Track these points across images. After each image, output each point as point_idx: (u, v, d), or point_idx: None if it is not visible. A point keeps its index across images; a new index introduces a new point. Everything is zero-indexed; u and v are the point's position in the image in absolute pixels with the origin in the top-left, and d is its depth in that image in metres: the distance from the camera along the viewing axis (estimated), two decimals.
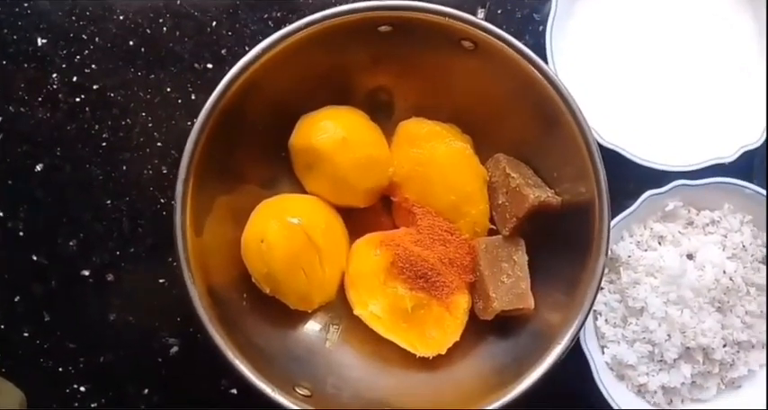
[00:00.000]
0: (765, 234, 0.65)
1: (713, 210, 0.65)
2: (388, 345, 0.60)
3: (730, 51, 0.67)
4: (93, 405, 0.65)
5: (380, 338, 0.59)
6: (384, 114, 0.63)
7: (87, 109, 0.66)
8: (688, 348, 0.62)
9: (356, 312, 0.59)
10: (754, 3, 0.67)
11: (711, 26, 0.67)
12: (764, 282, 0.64)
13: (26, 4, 0.66)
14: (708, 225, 0.65)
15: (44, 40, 0.66)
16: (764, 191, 0.64)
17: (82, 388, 0.66)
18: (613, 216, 0.61)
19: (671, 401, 0.64)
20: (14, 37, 0.66)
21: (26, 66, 0.66)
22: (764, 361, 0.65)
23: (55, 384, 0.65)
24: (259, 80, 0.55)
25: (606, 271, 0.54)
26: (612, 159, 0.60)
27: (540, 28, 0.67)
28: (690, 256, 0.64)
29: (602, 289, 0.63)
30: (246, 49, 0.58)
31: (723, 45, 0.67)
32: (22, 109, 0.66)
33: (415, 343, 0.58)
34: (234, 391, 0.66)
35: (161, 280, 0.66)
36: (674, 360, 0.63)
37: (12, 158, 0.66)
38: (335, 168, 0.58)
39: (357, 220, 0.62)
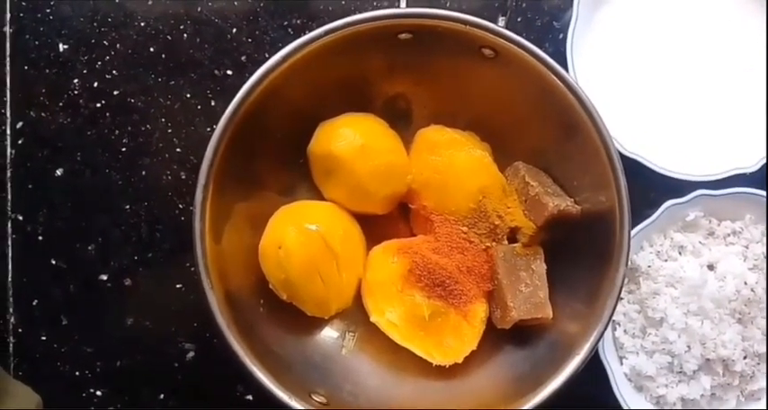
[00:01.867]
0: None
1: (734, 221, 0.65)
2: (404, 353, 0.60)
3: (752, 60, 0.67)
4: (109, 409, 0.66)
5: (397, 346, 0.59)
6: (403, 122, 0.63)
7: (108, 114, 0.66)
8: (708, 360, 0.62)
9: (373, 319, 0.59)
10: None
11: (732, 34, 0.67)
12: None
13: (48, 10, 0.67)
14: (729, 235, 0.65)
15: (65, 46, 0.67)
16: None
17: (98, 393, 0.66)
18: (633, 225, 0.60)
19: None
20: (36, 43, 0.66)
21: (47, 71, 0.66)
22: None
23: (72, 388, 0.66)
24: (279, 87, 0.55)
25: (626, 281, 0.54)
26: (633, 168, 0.60)
27: (561, 36, 0.67)
28: (710, 267, 0.63)
29: (621, 299, 0.63)
30: (266, 55, 0.58)
31: (744, 54, 0.67)
32: (43, 114, 0.66)
33: (432, 352, 0.58)
34: (249, 397, 0.66)
35: (178, 286, 0.66)
36: (694, 371, 0.62)
37: (32, 163, 0.66)
38: (354, 175, 0.58)
39: (375, 227, 0.62)
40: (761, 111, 0.66)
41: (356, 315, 0.61)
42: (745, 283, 0.61)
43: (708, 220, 0.65)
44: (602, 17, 0.66)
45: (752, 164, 0.64)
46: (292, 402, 0.53)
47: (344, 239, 0.58)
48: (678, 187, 0.63)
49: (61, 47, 0.66)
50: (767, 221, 0.64)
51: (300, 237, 0.56)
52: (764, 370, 0.64)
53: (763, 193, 0.63)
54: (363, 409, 0.57)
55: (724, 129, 0.66)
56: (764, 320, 0.63)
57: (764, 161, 0.63)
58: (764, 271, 0.63)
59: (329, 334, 0.62)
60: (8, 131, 0.66)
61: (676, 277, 0.62)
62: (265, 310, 0.59)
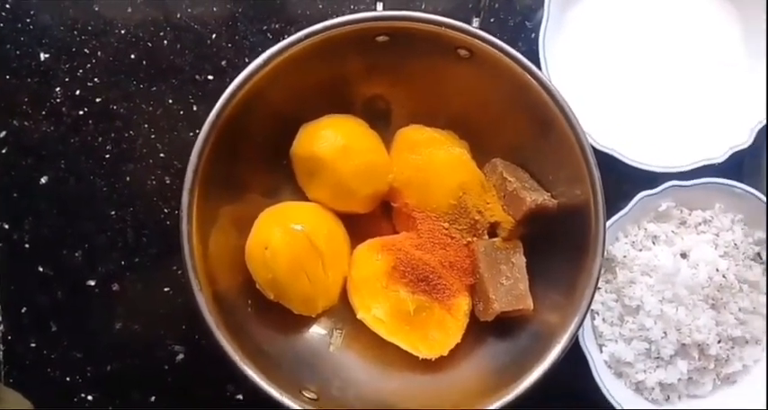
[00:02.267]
0: (765, 236, 0.66)
1: (705, 210, 0.66)
2: (390, 348, 0.61)
3: (717, 53, 0.69)
4: None
5: (383, 341, 0.60)
6: (383, 122, 0.64)
7: (90, 121, 0.67)
8: (683, 345, 0.63)
9: (359, 316, 0.59)
10: (737, 3, 0.69)
11: (698, 28, 0.69)
12: (756, 279, 0.65)
13: (28, 20, 0.67)
14: (700, 224, 0.66)
15: (46, 55, 0.67)
16: (754, 191, 0.65)
17: (89, 397, 0.66)
18: (608, 217, 0.61)
19: (668, 397, 0.65)
20: (17, 52, 0.67)
21: (29, 80, 0.67)
22: (758, 357, 0.66)
23: (62, 393, 0.66)
24: (260, 91, 0.56)
25: (602, 271, 0.55)
26: (606, 162, 0.61)
27: (533, 35, 0.68)
28: (683, 255, 0.65)
29: (599, 288, 0.64)
30: (246, 60, 0.59)
31: (710, 47, 0.68)
32: (26, 122, 0.66)
33: (418, 346, 0.59)
34: (240, 396, 0.66)
35: (166, 289, 0.67)
36: (671, 356, 0.64)
37: (16, 171, 0.66)
38: (337, 175, 0.59)
39: (358, 226, 0.63)
40: (728, 104, 0.68)
41: (343, 312, 0.62)
42: (717, 270, 0.63)
43: (679, 210, 0.66)
44: (573, 15, 0.68)
45: (720, 154, 0.65)
46: (283, 399, 0.53)
47: (329, 238, 0.59)
48: (650, 179, 0.65)
49: (42, 56, 0.67)
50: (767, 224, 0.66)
51: (286, 237, 0.57)
52: (739, 354, 0.65)
53: (733, 183, 0.65)
54: (352, 403, 0.58)
55: (692, 121, 0.68)
56: (736, 305, 0.65)
57: (732, 151, 0.65)
58: (735, 257, 0.65)
59: (317, 331, 0.62)
60: None
61: (651, 266, 0.64)
62: (253, 310, 0.59)
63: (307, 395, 0.56)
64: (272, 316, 0.61)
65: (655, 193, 0.64)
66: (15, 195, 0.66)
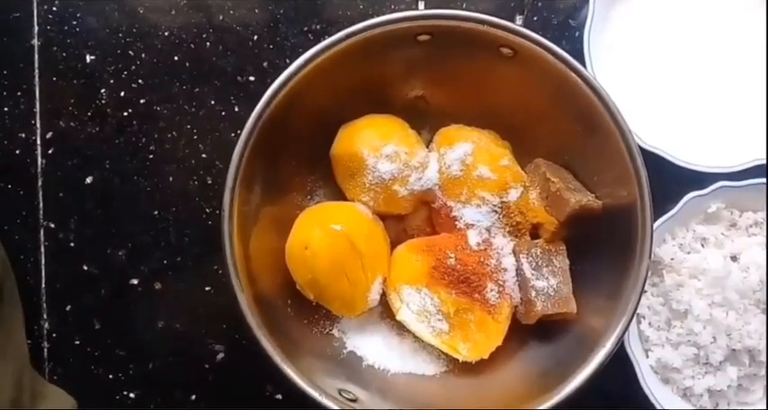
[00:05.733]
0: None
1: (756, 212, 0.65)
2: (430, 350, 0.61)
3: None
4: None
5: (423, 342, 0.60)
6: (423, 122, 0.64)
7: (134, 122, 0.68)
8: (734, 350, 0.62)
9: (398, 317, 0.59)
10: None
11: (747, 26, 0.67)
12: None
13: (74, 23, 0.68)
14: (751, 226, 0.65)
15: (92, 57, 0.68)
16: None
17: (131, 395, 0.67)
18: (655, 218, 0.60)
19: (717, 404, 0.64)
20: (64, 54, 0.68)
21: (75, 82, 0.68)
22: None
23: (105, 391, 0.67)
24: (300, 91, 0.56)
25: (649, 274, 0.54)
26: (653, 162, 0.60)
27: (577, 33, 0.67)
28: (734, 258, 0.63)
29: (645, 292, 0.63)
30: (287, 61, 0.59)
31: (760, 45, 0.67)
32: (72, 124, 0.68)
33: (459, 348, 0.58)
34: (279, 396, 0.67)
35: (207, 288, 0.67)
36: (720, 362, 0.62)
37: (63, 172, 0.68)
38: (377, 176, 0.59)
39: (398, 227, 0.63)
40: None
41: (382, 313, 0.62)
42: None
43: (729, 211, 0.65)
44: (618, 14, 0.67)
45: None
46: (323, 399, 0.53)
47: (369, 239, 0.59)
48: (699, 179, 0.63)
49: (88, 58, 0.68)
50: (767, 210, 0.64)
51: (326, 238, 0.57)
52: None
53: None
54: (392, 405, 0.57)
55: (743, 121, 0.66)
56: None
57: None
58: None
59: (356, 332, 0.62)
60: (38, 141, 0.68)
61: (700, 269, 0.62)
62: (293, 311, 0.60)
63: (346, 396, 0.56)
64: (311, 316, 0.61)
65: (704, 194, 0.63)
66: (61, 195, 0.68)
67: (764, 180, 0.63)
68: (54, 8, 0.68)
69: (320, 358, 0.60)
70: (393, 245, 0.62)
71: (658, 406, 0.61)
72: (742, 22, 0.67)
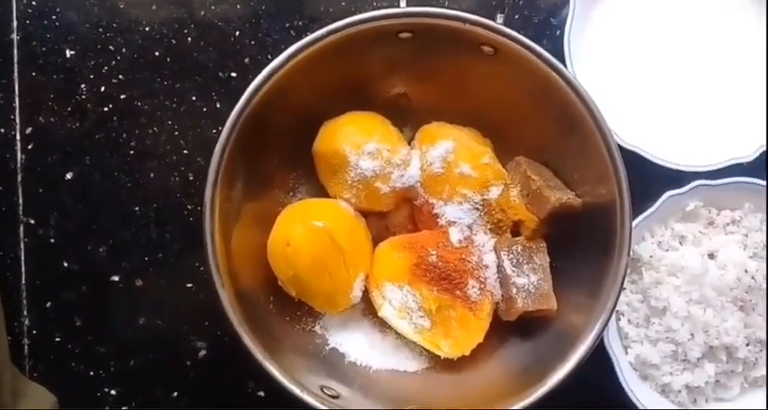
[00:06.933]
0: None
1: (733, 210, 0.66)
2: (412, 346, 0.61)
3: (745, 51, 0.67)
4: (123, 408, 0.67)
5: (405, 339, 0.60)
6: (405, 119, 0.64)
7: (115, 118, 0.67)
8: (711, 347, 0.63)
9: (380, 314, 0.59)
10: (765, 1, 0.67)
11: (727, 26, 0.67)
12: None
13: (54, 17, 0.67)
14: (728, 224, 0.65)
15: (72, 52, 0.67)
16: None
17: (113, 392, 0.67)
18: (634, 216, 0.60)
19: (695, 400, 0.65)
20: (43, 49, 0.67)
21: (55, 77, 0.67)
22: None
23: (86, 388, 0.67)
24: (282, 88, 0.56)
25: (628, 271, 0.55)
26: (632, 160, 0.60)
27: (558, 32, 0.67)
28: (711, 256, 0.64)
29: (624, 289, 0.63)
30: (269, 57, 0.59)
31: (739, 45, 0.67)
32: (51, 119, 0.67)
33: (440, 345, 0.59)
34: (261, 393, 0.67)
35: (189, 285, 0.67)
36: (698, 359, 0.63)
37: (42, 167, 0.67)
38: (359, 172, 0.59)
39: (380, 224, 0.63)
40: (757, 101, 0.67)
41: (364, 310, 0.62)
42: (746, 271, 0.62)
43: (707, 210, 0.66)
44: (599, 12, 0.67)
45: (749, 153, 0.64)
46: (305, 396, 0.53)
47: (351, 235, 0.59)
48: (677, 178, 0.64)
49: (68, 53, 0.67)
50: (767, 210, 0.65)
51: (308, 234, 0.57)
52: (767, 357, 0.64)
53: (762, 182, 0.64)
54: (374, 401, 0.58)
55: (721, 120, 0.67)
56: (765, 307, 0.63)
57: (762, 150, 0.64)
58: (765, 258, 0.64)
59: (338, 329, 0.62)
60: (18, 137, 0.67)
61: (678, 266, 0.63)
62: (275, 307, 0.60)
63: (328, 392, 0.56)
64: (293, 313, 0.61)
65: (682, 193, 0.64)
66: (41, 191, 0.67)
67: (742, 179, 0.64)
68: (33, 2, 0.67)
69: (302, 355, 0.60)
70: (375, 242, 0.62)
71: (637, 403, 0.62)
72: (721, 21, 0.68)
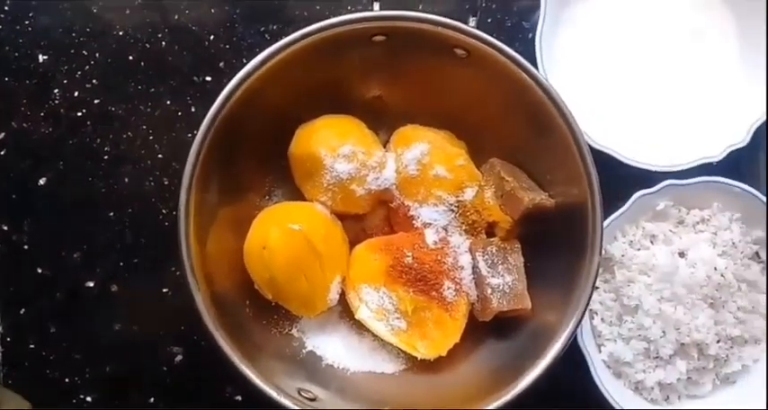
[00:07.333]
0: (765, 235, 0.66)
1: (702, 209, 0.67)
2: (389, 348, 0.61)
3: (714, 52, 0.69)
4: None
5: (382, 341, 0.61)
6: (380, 122, 0.64)
7: (89, 123, 0.67)
8: (683, 344, 0.63)
9: (357, 316, 0.59)
10: (731, 2, 0.69)
11: (694, 28, 0.69)
12: (755, 278, 0.65)
13: (26, 22, 0.67)
14: (698, 223, 0.66)
15: (45, 57, 0.67)
16: (752, 189, 0.65)
17: (88, 398, 0.66)
18: (606, 216, 0.61)
19: (668, 397, 0.65)
20: (16, 54, 0.67)
21: (28, 82, 0.67)
22: (757, 357, 0.66)
23: (62, 395, 0.66)
24: (257, 91, 0.56)
25: (600, 270, 0.55)
26: (603, 161, 0.61)
27: (530, 35, 0.68)
28: (681, 254, 0.65)
29: (597, 288, 0.64)
30: (244, 61, 0.58)
31: (707, 46, 0.69)
32: (24, 124, 0.67)
33: (417, 346, 0.59)
34: (239, 398, 0.66)
35: (164, 290, 0.67)
36: (670, 356, 0.64)
37: (15, 173, 0.67)
38: (334, 175, 0.59)
39: (356, 226, 0.63)
40: (723, 102, 0.68)
41: (341, 312, 0.63)
42: (715, 269, 0.63)
43: (677, 209, 0.66)
44: (570, 15, 0.68)
45: (717, 153, 0.65)
46: (282, 399, 0.53)
47: (327, 238, 0.59)
48: (647, 178, 0.65)
49: (41, 57, 0.67)
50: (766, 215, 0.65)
51: (284, 237, 0.57)
52: (738, 354, 0.65)
53: (731, 181, 0.65)
54: (351, 403, 0.58)
55: (690, 120, 0.68)
56: (735, 304, 0.64)
57: (730, 149, 0.65)
58: (733, 256, 0.65)
59: (315, 332, 0.62)
60: None
61: (649, 265, 0.64)
62: (252, 311, 0.60)
63: (305, 395, 0.56)
64: (270, 316, 0.61)
65: (652, 192, 0.64)
66: (14, 196, 0.67)
67: (711, 178, 0.65)
68: (6, 7, 0.67)
69: (279, 358, 0.60)
70: (352, 244, 0.62)
71: (610, 400, 0.62)
72: (689, 23, 0.69)
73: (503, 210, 0.61)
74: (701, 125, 0.68)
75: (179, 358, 0.67)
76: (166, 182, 0.67)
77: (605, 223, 0.60)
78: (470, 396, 0.56)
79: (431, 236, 0.61)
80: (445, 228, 0.62)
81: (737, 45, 0.69)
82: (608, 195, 0.56)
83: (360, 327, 0.61)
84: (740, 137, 0.66)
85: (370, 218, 0.64)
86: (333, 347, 0.62)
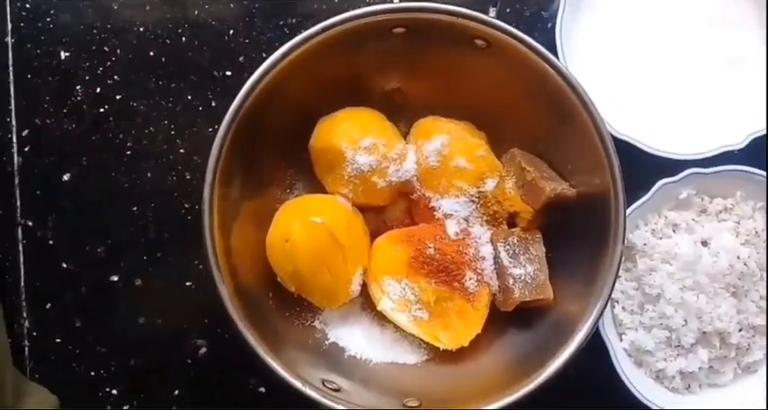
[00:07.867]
0: None
1: (726, 198, 0.66)
2: (411, 339, 0.62)
3: (736, 39, 0.68)
4: (125, 408, 0.67)
5: (404, 332, 0.61)
6: (400, 114, 0.64)
7: (111, 119, 0.67)
8: (704, 333, 0.63)
9: (379, 307, 0.60)
10: None
11: (716, 15, 0.68)
12: None
13: (48, 19, 0.68)
14: (721, 212, 0.66)
15: (67, 54, 0.68)
16: None
17: (114, 392, 0.67)
18: (628, 205, 0.61)
19: (689, 386, 0.65)
20: (38, 51, 0.67)
21: (50, 79, 0.67)
22: None
23: (88, 388, 0.67)
24: (277, 85, 0.56)
25: (623, 259, 0.55)
26: (625, 150, 0.61)
27: (549, 25, 0.68)
28: (704, 243, 0.64)
29: (618, 277, 0.64)
30: (264, 55, 0.59)
31: (729, 33, 0.68)
32: (48, 121, 0.67)
33: (439, 336, 0.59)
34: (262, 389, 0.67)
35: (188, 284, 0.67)
36: (692, 345, 0.63)
37: (39, 169, 0.67)
38: (356, 167, 0.60)
39: (377, 218, 0.63)
40: (748, 89, 0.67)
41: (363, 304, 0.63)
42: (738, 258, 0.63)
43: (700, 198, 0.66)
44: (589, 3, 0.68)
45: (739, 140, 0.64)
46: (307, 390, 0.53)
47: (349, 230, 0.60)
48: (670, 166, 0.64)
49: (63, 54, 0.68)
50: (767, 198, 0.65)
51: (306, 230, 0.58)
52: (760, 343, 0.65)
53: (754, 170, 0.64)
54: (374, 394, 0.58)
55: (712, 108, 0.67)
56: (758, 293, 0.64)
57: (752, 137, 0.64)
58: (757, 245, 0.65)
59: (337, 324, 0.63)
60: (14, 139, 0.67)
61: (671, 253, 0.63)
62: (274, 303, 0.60)
63: (329, 386, 0.56)
64: (293, 309, 0.62)
65: (675, 181, 0.64)
66: (38, 193, 0.67)
67: (734, 167, 0.64)
68: (27, 5, 0.68)
69: (303, 350, 0.60)
70: (373, 236, 0.62)
71: (632, 388, 0.62)
72: (708, 9, 0.68)
73: (524, 201, 0.61)
74: (723, 113, 0.67)
75: (203, 350, 0.67)
76: (188, 177, 0.68)
77: (627, 212, 0.60)
78: (493, 386, 0.57)
79: (452, 227, 0.61)
80: (466, 219, 0.62)
81: (759, 32, 0.68)
82: (630, 184, 0.56)
83: (382, 318, 0.62)
84: (762, 124, 0.65)
85: (391, 209, 0.64)
86: (355, 338, 0.62)
